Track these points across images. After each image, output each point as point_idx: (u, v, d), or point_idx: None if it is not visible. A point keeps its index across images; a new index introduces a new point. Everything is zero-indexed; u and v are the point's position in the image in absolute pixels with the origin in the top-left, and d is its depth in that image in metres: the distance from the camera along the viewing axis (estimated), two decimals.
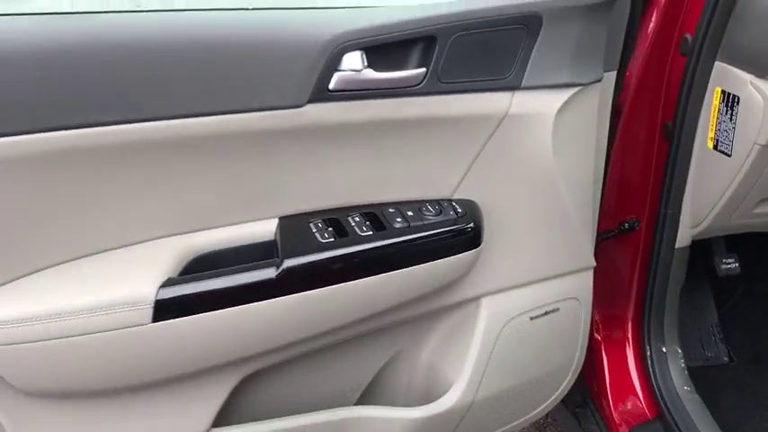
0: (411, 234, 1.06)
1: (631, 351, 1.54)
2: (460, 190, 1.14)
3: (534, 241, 1.22)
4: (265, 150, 0.99)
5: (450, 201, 1.13)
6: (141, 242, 0.98)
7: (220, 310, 0.96)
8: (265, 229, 1.04)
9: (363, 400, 1.27)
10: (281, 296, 0.99)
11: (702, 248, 1.58)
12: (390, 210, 1.09)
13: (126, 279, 0.94)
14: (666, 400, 1.47)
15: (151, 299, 0.92)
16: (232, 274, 0.97)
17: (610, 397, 1.52)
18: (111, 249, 0.97)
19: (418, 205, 1.10)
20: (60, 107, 0.85)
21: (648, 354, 1.52)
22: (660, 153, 1.39)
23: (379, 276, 1.05)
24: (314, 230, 1.04)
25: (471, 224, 1.10)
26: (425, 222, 1.08)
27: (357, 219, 1.07)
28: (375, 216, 1.08)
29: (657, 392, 1.49)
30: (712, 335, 1.75)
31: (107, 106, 0.86)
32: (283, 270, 0.98)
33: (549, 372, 1.34)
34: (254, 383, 1.12)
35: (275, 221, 1.05)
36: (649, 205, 1.45)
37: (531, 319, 1.25)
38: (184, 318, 0.94)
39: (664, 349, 1.51)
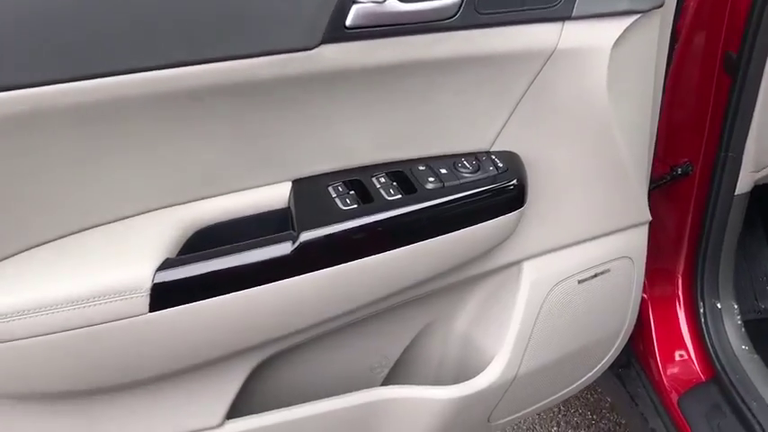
0: (446, 196, 0.92)
1: (682, 308, 1.40)
2: (500, 140, 0.98)
3: (584, 196, 1.07)
4: (274, 102, 0.83)
5: (488, 153, 0.98)
6: (132, 216, 0.84)
7: (228, 295, 0.83)
8: (277, 195, 0.90)
9: (392, 376, 1.15)
10: (298, 275, 0.85)
11: (755, 191, 1.43)
12: (420, 167, 0.94)
13: (116, 262, 0.80)
14: (722, 361, 1.34)
15: (147, 285, 0.79)
16: (240, 251, 0.83)
17: (658, 358, 1.40)
18: (97, 225, 0.83)
19: (452, 161, 0.95)
20: (37, 59, 0.69)
21: (702, 311, 1.38)
22: (720, 87, 1.22)
23: (409, 247, 0.91)
24: (333, 195, 0.89)
25: (514, 181, 0.96)
26: (462, 181, 0.93)
27: (383, 180, 0.92)
28: (403, 176, 0.93)
29: (712, 352, 1.36)
30: (766, 285, 1.61)
31: (89, 57, 0.71)
32: (300, 244, 0.84)
33: (598, 338, 1.20)
34: (272, 368, 1.00)
35: (288, 185, 0.90)
36: (705, 147, 1.29)
37: (579, 282, 1.12)
38: (187, 305, 0.81)
39: (718, 305, 1.38)
